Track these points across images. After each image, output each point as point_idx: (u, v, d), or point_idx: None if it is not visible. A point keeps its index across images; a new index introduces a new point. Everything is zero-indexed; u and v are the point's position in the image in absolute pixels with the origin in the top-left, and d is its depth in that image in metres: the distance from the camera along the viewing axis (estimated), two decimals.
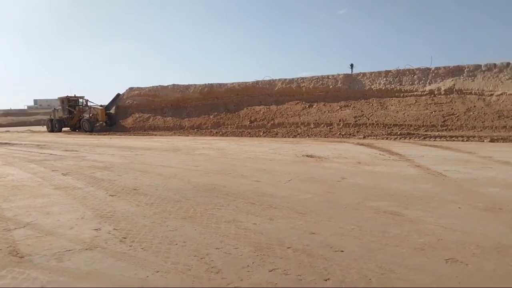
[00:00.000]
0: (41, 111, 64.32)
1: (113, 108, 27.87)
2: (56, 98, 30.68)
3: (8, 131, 34.32)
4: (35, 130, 32.38)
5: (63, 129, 28.72)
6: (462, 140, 12.80)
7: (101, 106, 27.47)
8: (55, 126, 28.95)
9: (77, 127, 27.62)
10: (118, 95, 28.65)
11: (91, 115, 26.60)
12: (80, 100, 29.25)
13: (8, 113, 63.95)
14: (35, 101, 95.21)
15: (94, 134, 23.66)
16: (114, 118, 26.93)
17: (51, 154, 11.91)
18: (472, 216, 4.19)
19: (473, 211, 4.39)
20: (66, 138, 20.94)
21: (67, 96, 28.70)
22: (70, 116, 28.32)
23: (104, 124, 26.67)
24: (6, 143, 17.67)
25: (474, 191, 5.37)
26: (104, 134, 23.30)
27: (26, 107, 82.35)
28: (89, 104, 28.57)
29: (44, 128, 31.13)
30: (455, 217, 4.16)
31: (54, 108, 30.62)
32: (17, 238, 3.75)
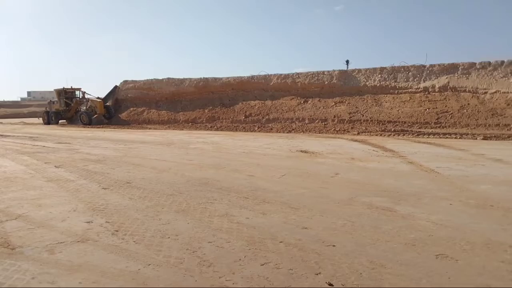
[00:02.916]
0: (34, 103, 63.75)
1: (110, 100, 27.52)
2: (50, 90, 30.30)
3: (1, 122, 34.03)
4: (28, 122, 32.12)
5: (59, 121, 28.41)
6: (456, 138, 12.88)
7: (98, 98, 27.18)
8: (51, 118, 28.40)
9: (74, 120, 27.29)
10: (115, 87, 28.18)
11: (88, 107, 26.28)
12: (77, 92, 28.74)
13: (1, 104, 63.32)
14: (29, 93, 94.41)
15: (88, 127, 23.50)
16: (112, 111, 26.60)
17: (44, 146, 11.83)
18: (463, 213, 4.23)
19: (465, 208, 4.43)
20: (60, 131, 20.80)
21: (64, 88, 28.26)
22: (67, 108, 27.86)
23: (103, 117, 26.27)
24: None
25: (466, 188, 5.41)
26: (98, 127, 23.16)
27: (19, 99, 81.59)
28: (86, 96, 28.15)
29: (40, 120, 30.46)
30: (446, 213, 4.20)
31: (50, 100, 30.09)
32: (8, 230, 3.74)
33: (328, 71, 21.45)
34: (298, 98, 21.36)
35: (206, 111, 23.31)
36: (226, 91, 23.98)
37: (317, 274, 2.75)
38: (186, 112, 24.05)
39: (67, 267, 2.90)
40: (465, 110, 16.43)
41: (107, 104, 26.73)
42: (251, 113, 21.61)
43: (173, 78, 26.20)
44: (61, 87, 28.35)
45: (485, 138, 12.42)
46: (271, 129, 18.44)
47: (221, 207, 4.49)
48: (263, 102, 22.09)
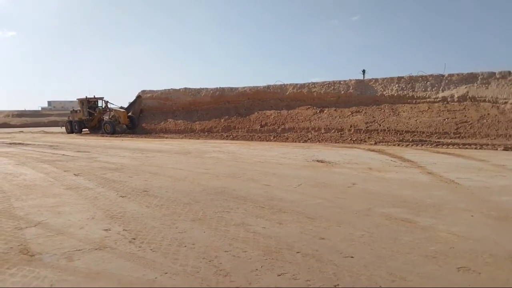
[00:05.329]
0: (55, 113, 65.27)
1: (132, 110, 27.52)
2: (70, 99, 30.76)
3: (22, 131, 34.84)
4: (48, 131, 32.78)
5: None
6: (475, 148, 12.62)
7: (121, 108, 27.23)
8: (74, 127, 28.66)
9: (97, 129, 27.59)
10: (138, 97, 28.12)
11: (111, 117, 26.49)
12: (100, 101, 28.95)
13: (22, 114, 64.93)
14: (49, 102, 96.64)
15: (107, 136, 23.80)
16: (135, 121, 26.54)
17: (63, 155, 12.05)
18: (485, 225, 4.12)
19: (486, 220, 4.31)
20: (79, 140, 21.17)
21: (87, 97, 28.47)
22: (90, 117, 28.09)
23: (125, 126, 26.14)
24: (19, 144, 17.93)
25: (487, 199, 5.28)
26: (116, 137, 23.47)
27: (40, 108, 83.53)
28: (109, 105, 28.27)
29: (63, 129, 30.64)
30: (467, 225, 4.10)
31: (73, 109, 30.33)
32: (28, 237, 3.80)
33: (344, 81, 21.38)
34: (314, 107, 21.30)
35: (222, 120, 23.44)
36: (242, 101, 24.09)
37: (335, 286, 2.70)
38: (202, 121, 24.22)
39: (85, 275, 2.92)
40: (485, 120, 16.13)
41: (130, 114, 26.84)
42: (266, 123, 21.64)
43: (189, 88, 26.45)
44: (84, 96, 28.70)
45: (505, 149, 12.13)
46: (287, 138, 18.39)
47: (237, 216, 4.48)
48: (278, 111, 22.10)
